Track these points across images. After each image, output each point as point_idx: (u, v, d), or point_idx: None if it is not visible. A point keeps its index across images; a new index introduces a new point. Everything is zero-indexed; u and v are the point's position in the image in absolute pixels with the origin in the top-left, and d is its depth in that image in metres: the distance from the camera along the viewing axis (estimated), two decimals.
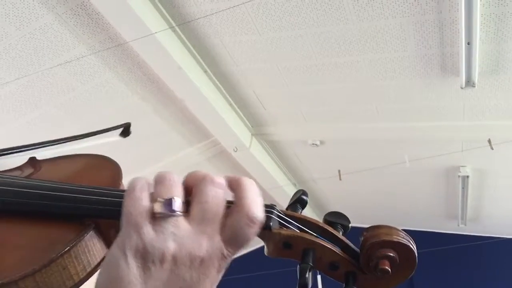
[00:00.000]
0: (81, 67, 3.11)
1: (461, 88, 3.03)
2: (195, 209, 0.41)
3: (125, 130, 0.81)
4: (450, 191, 4.98)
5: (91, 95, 3.38)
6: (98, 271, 0.41)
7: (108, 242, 0.46)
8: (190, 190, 0.42)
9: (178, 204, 0.40)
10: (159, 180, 0.42)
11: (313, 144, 4.31)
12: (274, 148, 4.68)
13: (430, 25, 2.69)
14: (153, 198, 0.41)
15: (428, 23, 2.68)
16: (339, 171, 4.62)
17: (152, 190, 0.42)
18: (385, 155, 4.34)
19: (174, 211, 0.40)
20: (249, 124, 4.20)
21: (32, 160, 0.64)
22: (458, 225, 5.72)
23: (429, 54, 2.93)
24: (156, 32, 2.74)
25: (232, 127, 3.86)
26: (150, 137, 4.03)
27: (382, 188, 5.15)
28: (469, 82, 2.98)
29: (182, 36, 3.02)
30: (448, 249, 6.30)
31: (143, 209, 0.40)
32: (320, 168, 4.92)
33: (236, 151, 4.11)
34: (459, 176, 4.43)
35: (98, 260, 0.45)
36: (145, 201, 0.40)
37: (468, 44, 2.63)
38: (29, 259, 0.41)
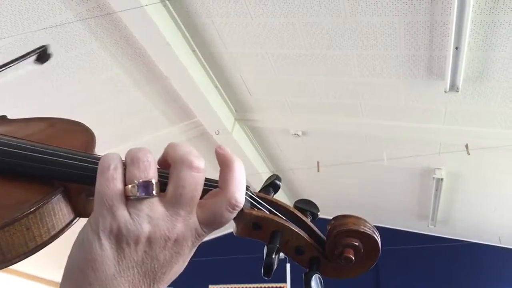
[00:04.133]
0: (66, 34, 3.03)
1: (445, 92, 3.06)
2: (170, 192, 0.40)
3: (42, 55, 0.76)
4: (423, 192, 5.07)
5: (74, 63, 3.30)
6: (70, 250, 0.40)
7: (75, 207, 0.45)
8: (168, 164, 0.42)
9: (153, 187, 0.39)
10: (134, 161, 0.40)
11: (295, 134, 4.32)
12: (256, 135, 4.67)
13: (421, 26, 2.70)
14: (128, 180, 0.40)
15: (420, 23, 2.69)
16: (318, 162, 4.66)
17: (124, 169, 0.41)
18: (364, 151, 4.39)
19: (150, 194, 0.39)
20: (233, 109, 4.18)
21: (2, 118, 0.62)
22: (428, 226, 5.85)
23: (417, 55, 2.96)
24: (146, 5, 2.68)
25: (215, 110, 3.84)
26: (131, 113, 3.98)
27: (358, 183, 5.21)
28: (453, 87, 3.02)
29: (173, 12, 2.97)
30: (416, 248, 6.44)
31: (117, 191, 0.39)
32: (299, 159, 4.94)
33: (217, 134, 4.09)
34: (433, 178, 4.51)
35: (64, 224, 0.44)
36: (119, 182, 0.39)
37: (456, 49, 2.65)
38: None
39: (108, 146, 3.70)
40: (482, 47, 2.72)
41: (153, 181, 0.39)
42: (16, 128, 0.58)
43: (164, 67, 3.33)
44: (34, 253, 0.42)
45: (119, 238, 0.38)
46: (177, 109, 4.10)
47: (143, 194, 0.39)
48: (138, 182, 0.39)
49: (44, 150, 0.45)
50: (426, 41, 2.81)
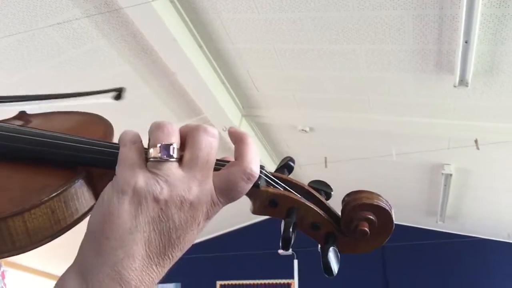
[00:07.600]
0: (74, 31, 3.04)
1: (454, 86, 3.03)
2: (187, 155, 0.43)
3: (119, 95, 0.83)
4: (432, 188, 5.04)
5: (82, 60, 3.31)
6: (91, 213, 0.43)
7: (97, 192, 0.47)
8: (183, 142, 0.44)
9: (175, 150, 0.42)
10: (158, 127, 0.43)
11: (302, 130, 4.31)
12: (263, 131, 4.67)
13: (430, 20, 2.67)
14: (151, 143, 0.43)
15: (428, 17, 2.66)
16: (325, 158, 4.64)
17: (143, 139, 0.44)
18: (373, 146, 4.36)
19: (171, 156, 0.42)
20: (240, 105, 4.17)
21: (22, 113, 0.64)
22: (437, 222, 5.82)
23: (426, 49, 2.93)
24: (153, 0, 2.68)
25: (222, 106, 3.83)
26: (138, 109, 3.99)
27: (366, 178, 5.19)
28: (463, 81, 2.99)
29: (180, 7, 2.96)
30: (424, 244, 6.42)
31: (139, 152, 0.43)
32: (307, 154, 4.93)
33: (225, 131, 4.09)
34: (442, 173, 4.48)
35: (86, 208, 0.46)
36: (140, 146, 0.43)
37: (466, 42, 2.62)
38: (20, 199, 0.42)
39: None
40: (492, 40, 2.68)
41: (175, 145, 0.42)
42: (38, 121, 0.60)
43: (171, 63, 3.34)
44: (58, 237, 0.44)
45: (137, 194, 0.40)
46: (184, 105, 4.11)
47: (165, 156, 0.41)
48: (161, 144, 0.42)
49: (68, 137, 0.48)
50: (435, 35, 2.78)
